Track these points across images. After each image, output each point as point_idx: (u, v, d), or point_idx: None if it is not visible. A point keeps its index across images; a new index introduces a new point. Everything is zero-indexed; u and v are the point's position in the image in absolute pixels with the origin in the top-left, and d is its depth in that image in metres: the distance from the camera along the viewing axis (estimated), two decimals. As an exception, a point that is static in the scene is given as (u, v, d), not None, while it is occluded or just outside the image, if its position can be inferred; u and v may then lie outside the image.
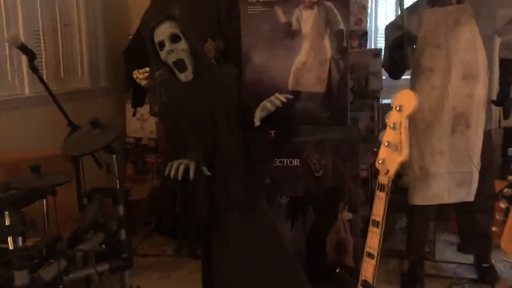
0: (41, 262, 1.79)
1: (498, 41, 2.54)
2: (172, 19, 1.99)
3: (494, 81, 2.55)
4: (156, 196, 3.52)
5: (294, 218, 2.52)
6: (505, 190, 1.07)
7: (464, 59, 2.42)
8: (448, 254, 3.05)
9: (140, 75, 2.69)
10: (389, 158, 1.31)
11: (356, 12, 3.36)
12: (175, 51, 1.96)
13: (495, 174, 2.70)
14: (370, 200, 3.04)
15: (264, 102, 1.93)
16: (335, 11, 2.35)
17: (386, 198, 1.32)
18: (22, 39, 2.39)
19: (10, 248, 1.66)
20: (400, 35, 2.50)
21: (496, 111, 2.69)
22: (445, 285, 2.70)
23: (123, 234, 2.17)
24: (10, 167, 2.44)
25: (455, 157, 2.48)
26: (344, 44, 2.37)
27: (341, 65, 2.38)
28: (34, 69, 2.19)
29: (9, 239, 1.65)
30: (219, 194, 1.95)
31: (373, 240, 1.34)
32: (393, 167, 1.31)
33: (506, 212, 1.06)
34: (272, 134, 2.35)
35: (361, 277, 1.35)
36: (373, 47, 3.89)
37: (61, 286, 1.85)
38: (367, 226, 1.36)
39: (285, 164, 2.46)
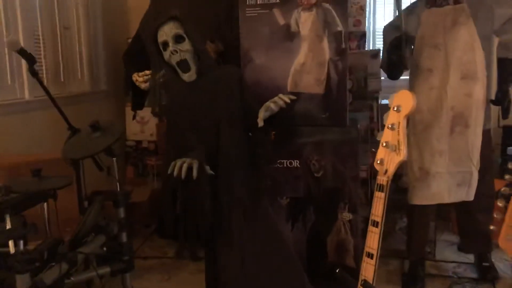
0: (42, 266, 1.79)
1: (496, 41, 2.55)
2: (176, 20, 1.99)
3: (492, 80, 2.56)
4: (157, 199, 3.53)
5: (294, 219, 2.53)
6: (503, 189, 1.08)
7: (462, 59, 2.43)
8: (449, 254, 3.06)
9: (140, 78, 2.69)
10: (388, 158, 1.32)
11: (355, 14, 3.36)
12: (179, 52, 1.97)
13: (494, 174, 2.70)
14: (370, 201, 3.04)
15: (267, 103, 1.93)
16: (333, 12, 2.36)
17: (385, 198, 1.33)
18: (22, 43, 2.40)
19: (11, 251, 1.67)
20: (398, 36, 2.51)
21: (495, 110, 2.70)
22: (446, 284, 2.70)
23: (124, 236, 2.17)
24: (10, 171, 2.45)
25: (455, 157, 2.49)
26: (343, 46, 2.38)
27: (339, 66, 2.39)
28: (34, 73, 2.20)
29: (10, 242, 1.66)
30: (222, 193, 1.96)
31: (373, 240, 1.35)
32: (391, 167, 1.32)
33: (504, 211, 1.07)
34: (272, 136, 2.36)
35: (361, 277, 1.36)
36: (371, 48, 3.89)
37: (62, 289, 1.86)
38: (367, 227, 1.37)
39: (285, 165, 2.47)
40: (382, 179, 1.34)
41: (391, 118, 1.32)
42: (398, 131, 1.30)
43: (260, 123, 1.91)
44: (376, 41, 4.06)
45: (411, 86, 2.60)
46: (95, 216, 2.07)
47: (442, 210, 3.06)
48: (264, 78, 2.40)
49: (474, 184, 2.50)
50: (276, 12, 2.42)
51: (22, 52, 2.18)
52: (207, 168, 1.87)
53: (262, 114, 1.92)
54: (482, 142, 2.48)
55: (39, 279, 1.72)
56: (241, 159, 2.00)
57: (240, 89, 2.06)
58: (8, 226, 1.67)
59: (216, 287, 2.08)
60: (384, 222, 1.36)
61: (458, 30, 2.41)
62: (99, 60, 3.89)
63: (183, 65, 1.99)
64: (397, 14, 2.63)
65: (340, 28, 2.36)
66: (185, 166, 1.79)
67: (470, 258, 2.92)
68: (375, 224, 1.34)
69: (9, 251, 1.69)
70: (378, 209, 1.34)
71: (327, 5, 2.37)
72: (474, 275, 2.78)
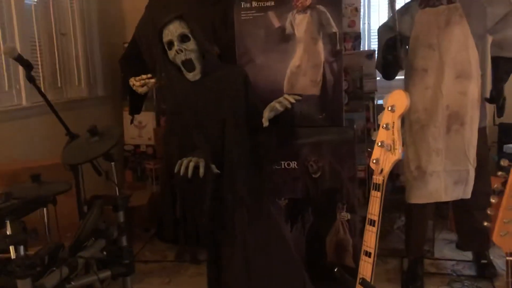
0: (43, 270, 1.80)
1: (489, 39, 2.57)
2: (181, 19, 2.01)
3: (487, 79, 2.58)
4: (156, 203, 3.53)
5: (293, 220, 2.54)
6: (495, 185, 1.10)
7: (457, 58, 2.45)
8: (447, 252, 3.08)
9: (137, 82, 2.70)
10: (383, 157, 1.34)
11: (349, 15, 3.39)
12: (184, 51, 1.98)
13: (491, 171, 2.72)
14: (368, 201, 3.06)
15: (273, 103, 1.94)
16: (328, 14, 2.38)
17: (381, 197, 1.35)
18: (18, 49, 2.41)
19: (12, 257, 1.68)
20: (393, 36, 2.53)
21: (490, 108, 2.72)
22: (445, 282, 2.72)
23: (124, 240, 2.18)
24: (9, 177, 2.45)
25: (451, 156, 2.51)
26: (338, 47, 2.40)
27: (335, 67, 2.41)
28: (31, 79, 2.21)
29: (11, 248, 1.67)
30: (226, 192, 1.96)
31: (370, 239, 1.36)
32: (387, 167, 1.33)
33: (497, 207, 1.09)
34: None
35: (359, 275, 1.38)
36: (366, 49, 3.91)
37: (64, 294, 1.87)
38: (365, 226, 1.38)
39: (283, 166, 2.48)
40: (377, 178, 1.36)
41: (385, 118, 1.34)
42: (393, 130, 1.32)
43: (265, 123, 1.92)
44: (371, 42, 4.08)
45: (406, 86, 2.61)
46: (94, 221, 2.08)
47: (440, 209, 3.08)
48: (260, 81, 2.41)
49: (471, 182, 2.52)
50: (271, 15, 2.44)
51: (19, 59, 2.19)
52: (213, 166, 1.88)
53: (267, 114, 1.93)
54: (478, 140, 2.50)
55: (40, 284, 1.73)
56: (245, 158, 2.00)
57: (244, 89, 2.06)
58: (9, 232, 1.68)
59: (218, 286, 2.08)
60: (382, 221, 1.38)
61: (452, 30, 2.44)
62: (96, 65, 3.90)
63: (188, 64, 2.00)
64: (391, 14, 2.65)
65: (334, 29, 2.39)
66: (191, 164, 1.80)
67: (469, 255, 2.93)
68: (372, 222, 1.36)
69: (9, 257, 1.70)
70: (374, 208, 1.36)
71: (321, 7, 2.39)
72: (472, 272, 2.80)
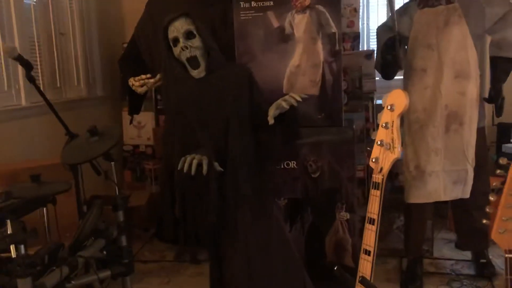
0: (43, 270, 1.81)
1: (488, 39, 2.58)
2: (187, 16, 2.00)
3: (485, 79, 2.59)
4: (155, 202, 3.53)
5: (293, 219, 2.55)
6: (494, 183, 1.11)
7: (456, 58, 2.45)
8: (446, 251, 3.08)
9: (136, 83, 2.70)
10: (382, 156, 1.34)
11: (348, 15, 3.40)
12: (189, 48, 1.98)
13: (489, 171, 2.73)
14: (367, 200, 3.06)
15: (279, 101, 1.93)
16: (327, 14, 2.39)
17: (380, 195, 1.35)
18: (18, 49, 2.41)
19: (13, 256, 1.68)
20: (392, 36, 2.54)
21: (489, 108, 2.72)
22: (444, 282, 2.72)
23: (123, 240, 2.19)
24: (9, 177, 2.46)
25: (450, 155, 2.51)
26: (337, 47, 2.41)
27: (334, 67, 2.42)
28: (31, 79, 2.21)
29: (12, 247, 1.68)
30: (229, 190, 1.96)
31: (370, 237, 1.37)
32: (386, 165, 1.34)
33: (496, 205, 1.10)
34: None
35: (359, 274, 1.38)
36: (365, 49, 3.92)
37: (63, 293, 1.87)
38: (364, 226, 1.39)
39: (282, 166, 2.49)
40: (377, 177, 1.37)
41: (385, 117, 1.35)
42: (392, 129, 1.33)
43: (271, 121, 1.91)
44: (370, 42, 4.09)
45: (405, 86, 2.62)
46: (94, 220, 2.08)
47: (439, 208, 3.08)
48: (259, 80, 2.40)
49: (470, 182, 2.53)
50: (270, 15, 2.45)
51: (19, 59, 2.20)
52: (216, 164, 1.88)
53: (272, 112, 1.91)
54: (476, 140, 2.51)
55: (40, 283, 1.74)
56: (248, 157, 2.00)
57: (249, 87, 2.05)
58: (9, 231, 1.69)
59: (221, 286, 2.08)
60: (381, 221, 1.38)
61: (451, 30, 2.44)
62: (95, 65, 3.91)
63: (193, 61, 2.00)
64: (390, 14, 2.65)
65: (333, 29, 2.39)
66: (195, 162, 1.79)
67: (468, 255, 2.94)
68: (372, 221, 1.37)
69: (10, 256, 1.70)
70: (374, 206, 1.37)
71: (320, 7, 2.39)
72: (471, 272, 2.81)
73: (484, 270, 2.76)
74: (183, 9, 2.03)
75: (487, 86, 2.59)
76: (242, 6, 2.46)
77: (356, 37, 3.41)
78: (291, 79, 2.46)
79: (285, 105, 1.90)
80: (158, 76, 2.62)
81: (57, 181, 2.13)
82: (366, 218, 1.39)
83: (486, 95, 2.58)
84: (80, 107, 3.60)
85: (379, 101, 3.37)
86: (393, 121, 1.33)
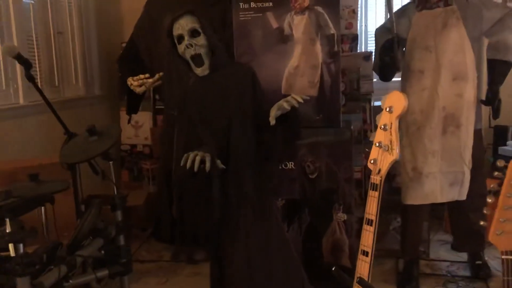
0: (42, 269, 1.81)
1: (485, 42, 2.60)
2: (192, 14, 2.01)
3: (482, 81, 2.61)
4: (153, 202, 3.54)
5: (290, 220, 2.56)
6: (492, 185, 1.12)
7: (453, 60, 2.47)
8: (442, 253, 3.10)
9: (135, 82, 2.70)
10: (381, 158, 1.35)
11: (347, 16, 3.41)
12: (194, 46, 1.98)
13: (486, 173, 2.74)
14: (364, 201, 3.07)
15: (280, 102, 1.93)
16: (326, 16, 2.40)
17: (378, 196, 1.36)
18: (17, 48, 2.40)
19: (11, 255, 1.68)
20: (390, 38, 2.55)
21: (486, 110, 2.74)
22: (440, 283, 2.73)
23: (121, 239, 2.19)
24: (7, 176, 2.45)
25: (447, 157, 2.53)
26: (335, 49, 2.42)
27: (332, 69, 2.43)
28: (30, 78, 2.21)
29: (11, 246, 1.68)
30: (231, 189, 1.96)
31: (367, 238, 1.37)
32: (384, 167, 1.35)
33: (493, 207, 1.11)
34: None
35: (357, 274, 1.39)
36: (363, 50, 3.93)
37: (61, 292, 1.87)
38: (361, 227, 1.40)
39: (280, 167, 2.50)
40: (375, 178, 1.37)
41: (383, 118, 1.35)
42: (391, 131, 1.33)
43: (272, 121, 1.91)
44: (368, 44, 4.10)
45: (403, 87, 2.63)
46: (93, 220, 2.08)
47: (436, 210, 3.10)
48: (258, 81, 2.43)
49: (467, 184, 2.54)
50: (269, 16, 2.46)
51: (19, 58, 2.19)
52: (218, 162, 1.88)
53: (274, 113, 1.92)
54: (473, 141, 2.52)
55: (38, 282, 1.74)
56: (250, 155, 2.00)
57: (252, 87, 2.06)
58: (8, 230, 1.69)
59: (221, 285, 2.08)
60: (378, 221, 1.39)
61: (449, 32, 2.46)
62: (93, 65, 3.91)
63: (197, 59, 2.00)
64: (388, 16, 2.67)
65: (332, 31, 2.40)
66: (197, 159, 1.79)
67: (464, 256, 2.95)
68: (370, 222, 1.37)
69: (8, 255, 1.70)
70: (372, 207, 1.37)
71: (319, 9, 2.41)
72: (467, 273, 2.82)
73: (480, 271, 2.77)
74: (181, 10, 2.04)
75: (484, 88, 2.61)
76: (241, 7, 2.47)
77: (354, 38, 3.42)
78: (290, 80, 2.47)
79: (286, 106, 1.91)
80: (156, 76, 2.62)
81: (56, 180, 2.13)
82: (364, 219, 1.39)
83: (483, 97, 2.60)
84: (78, 106, 3.59)
85: (376, 103, 3.38)
86: (391, 123, 1.33)
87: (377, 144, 1.36)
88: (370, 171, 1.40)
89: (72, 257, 1.94)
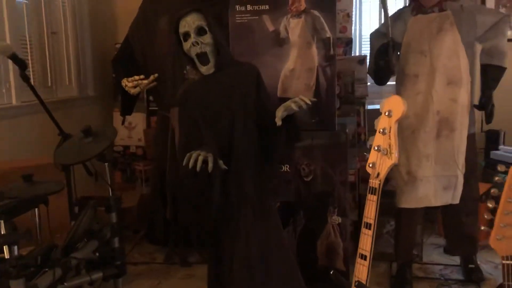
0: (36, 271, 1.79)
1: (479, 48, 2.62)
2: (199, 12, 1.99)
3: (476, 86, 2.62)
4: (146, 204, 3.52)
5: (285, 222, 2.55)
6: (492, 190, 1.12)
7: (448, 65, 2.48)
8: (435, 256, 3.11)
9: (129, 83, 2.69)
10: (379, 162, 1.36)
11: (341, 20, 3.41)
12: (200, 44, 1.96)
13: (479, 177, 2.76)
14: (358, 204, 3.09)
15: (288, 102, 1.91)
16: (322, 19, 2.41)
17: (377, 200, 1.36)
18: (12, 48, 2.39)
19: (6, 257, 1.67)
20: (385, 42, 2.56)
21: (478, 115, 2.76)
22: (433, 286, 2.74)
23: (116, 241, 2.18)
24: (0, 176, 2.43)
25: (441, 161, 2.54)
26: (331, 52, 2.43)
27: (328, 72, 2.44)
28: (25, 78, 2.20)
29: (5, 248, 1.66)
30: (232, 188, 1.95)
31: (366, 242, 1.38)
32: (383, 171, 1.35)
33: (493, 212, 1.11)
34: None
35: (355, 278, 1.39)
36: (358, 54, 3.95)
37: (55, 295, 1.86)
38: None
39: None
40: (374, 182, 1.38)
41: (382, 122, 1.36)
42: (390, 135, 1.34)
43: (278, 122, 1.90)
44: (362, 47, 4.12)
45: (398, 91, 2.64)
46: (88, 222, 2.07)
47: (429, 213, 3.11)
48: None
49: (460, 188, 2.56)
50: (266, 19, 2.46)
51: (14, 57, 2.18)
52: (220, 162, 1.87)
53: (280, 114, 1.90)
54: (467, 146, 2.54)
55: (33, 284, 1.72)
56: (252, 156, 2.00)
57: (256, 86, 2.05)
58: (3, 232, 1.67)
59: (220, 285, 2.07)
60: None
61: (443, 37, 2.47)
62: (87, 65, 3.89)
63: (202, 57, 1.98)
64: (383, 21, 2.68)
65: (328, 34, 2.41)
66: (200, 158, 1.78)
67: (456, 260, 2.97)
68: (368, 226, 1.38)
69: (2, 257, 1.69)
70: (370, 211, 1.38)
71: (315, 12, 2.41)
72: (460, 277, 2.83)
73: (472, 275, 2.78)
74: (194, 6, 2.02)
75: (477, 93, 2.63)
76: (237, 9, 2.47)
77: (348, 42, 3.43)
78: (286, 82, 2.47)
79: (294, 107, 1.89)
80: (151, 77, 2.61)
81: (50, 181, 2.12)
82: (363, 222, 1.40)
83: (476, 102, 2.62)
84: (71, 107, 3.57)
85: (370, 106, 3.40)
86: (390, 127, 1.34)
87: (376, 148, 1.37)
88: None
89: (67, 259, 1.93)
